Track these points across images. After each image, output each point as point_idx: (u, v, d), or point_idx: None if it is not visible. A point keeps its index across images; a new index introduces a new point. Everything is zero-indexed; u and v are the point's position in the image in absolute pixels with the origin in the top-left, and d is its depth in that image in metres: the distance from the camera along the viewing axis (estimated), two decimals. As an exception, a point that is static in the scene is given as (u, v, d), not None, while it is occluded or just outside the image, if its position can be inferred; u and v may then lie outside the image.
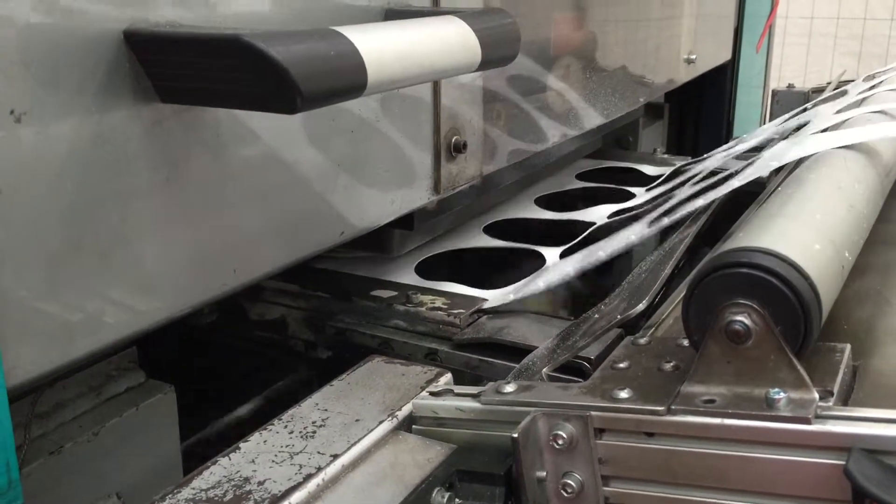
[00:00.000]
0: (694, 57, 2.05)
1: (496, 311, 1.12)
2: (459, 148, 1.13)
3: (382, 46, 0.70)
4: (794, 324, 0.64)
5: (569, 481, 0.68)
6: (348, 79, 0.67)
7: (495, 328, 1.06)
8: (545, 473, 0.69)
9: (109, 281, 0.69)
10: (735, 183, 1.02)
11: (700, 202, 1.05)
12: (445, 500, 0.67)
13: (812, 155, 0.99)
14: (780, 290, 0.64)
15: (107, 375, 0.98)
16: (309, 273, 1.24)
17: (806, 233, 0.72)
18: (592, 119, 1.56)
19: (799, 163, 1.03)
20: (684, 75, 2.06)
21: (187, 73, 0.67)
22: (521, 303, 1.19)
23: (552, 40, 1.42)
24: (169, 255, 0.74)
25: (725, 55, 2.45)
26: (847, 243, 0.76)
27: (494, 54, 0.86)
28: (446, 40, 0.80)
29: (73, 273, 0.66)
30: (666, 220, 1.10)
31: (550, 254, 1.35)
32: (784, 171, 1.22)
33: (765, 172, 1.06)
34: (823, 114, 1.33)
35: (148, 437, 0.95)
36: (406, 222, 1.21)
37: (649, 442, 0.67)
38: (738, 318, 0.64)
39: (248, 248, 0.83)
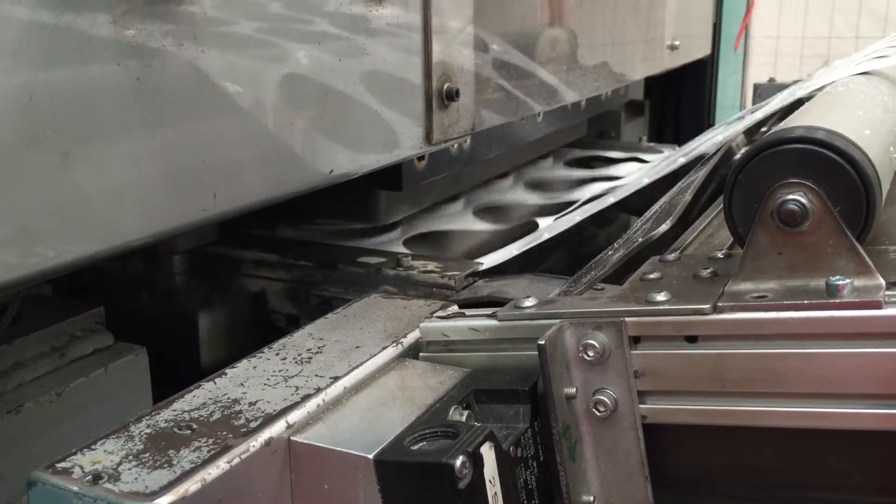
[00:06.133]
0: (678, 43, 2.01)
1: (492, 275, 1.04)
2: (452, 95, 1.05)
3: None
4: (856, 204, 0.57)
5: (602, 398, 0.60)
6: None
7: (494, 289, 0.98)
8: (574, 390, 0.60)
9: (73, 184, 0.60)
10: (758, 115, 0.95)
11: (720, 138, 0.98)
12: (465, 418, 0.58)
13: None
14: (839, 165, 0.57)
15: (71, 336, 0.89)
16: (290, 245, 1.16)
17: (852, 120, 0.66)
18: (581, 89, 1.50)
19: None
20: (668, 62, 2.01)
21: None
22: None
23: (543, 12, 1.37)
24: (141, 164, 0.65)
25: (706, 49, 2.42)
26: (891, 138, 0.69)
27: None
28: None
29: (30, 169, 0.57)
30: (670, 167, 1.03)
31: (545, 222, 1.28)
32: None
33: (786, 102, 1.00)
34: (824, 76, 1.28)
35: (119, 399, 0.86)
36: (395, 182, 1.14)
37: (692, 348, 0.59)
38: (793, 196, 0.56)
39: (230, 173, 0.74)
